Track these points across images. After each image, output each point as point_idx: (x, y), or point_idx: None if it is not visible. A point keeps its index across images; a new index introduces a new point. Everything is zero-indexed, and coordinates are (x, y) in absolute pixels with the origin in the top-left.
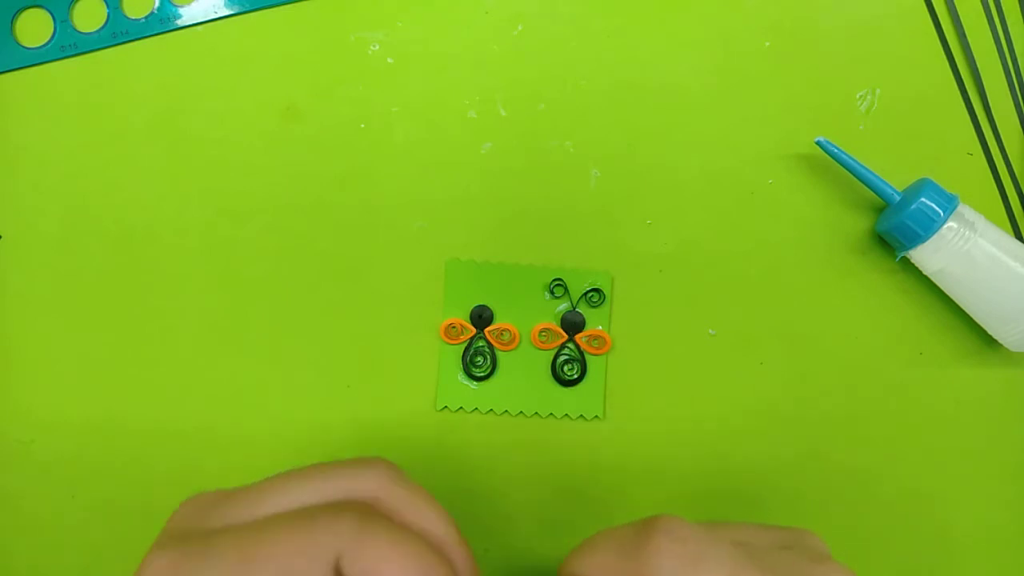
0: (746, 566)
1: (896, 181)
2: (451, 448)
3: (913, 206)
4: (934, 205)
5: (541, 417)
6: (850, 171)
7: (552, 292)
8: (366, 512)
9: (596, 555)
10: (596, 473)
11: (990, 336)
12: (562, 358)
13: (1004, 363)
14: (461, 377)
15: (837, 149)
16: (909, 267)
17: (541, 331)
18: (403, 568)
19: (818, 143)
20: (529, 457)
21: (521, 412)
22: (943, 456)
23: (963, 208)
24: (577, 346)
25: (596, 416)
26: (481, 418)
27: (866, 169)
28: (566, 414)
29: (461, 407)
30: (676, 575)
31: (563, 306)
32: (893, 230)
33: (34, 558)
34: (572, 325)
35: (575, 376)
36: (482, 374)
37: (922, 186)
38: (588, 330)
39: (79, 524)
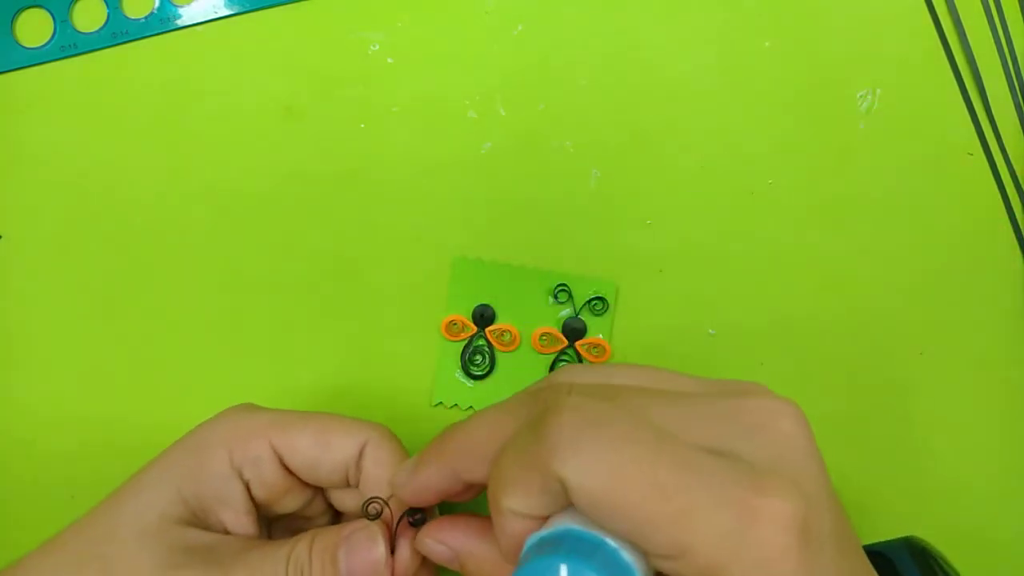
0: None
1: (896, 181)
2: None
3: None
4: None
5: None
6: None
7: (556, 297)
8: None
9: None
10: None
11: (990, 336)
12: (561, 363)
13: (1005, 364)
14: (459, 375)
15: None
16: (909, 265)
17: (542, 335)
18: None
19: None
20: None
21: None
22: (943, 457)
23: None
24: (577, 353)
25: None
26: None
27: None
28: None
29: (456, 404)
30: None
31: (566, 312)
32: None
33: None
34: (573, 332)
35: None
36: (480, 373)
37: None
38: (589, 338)
39: None
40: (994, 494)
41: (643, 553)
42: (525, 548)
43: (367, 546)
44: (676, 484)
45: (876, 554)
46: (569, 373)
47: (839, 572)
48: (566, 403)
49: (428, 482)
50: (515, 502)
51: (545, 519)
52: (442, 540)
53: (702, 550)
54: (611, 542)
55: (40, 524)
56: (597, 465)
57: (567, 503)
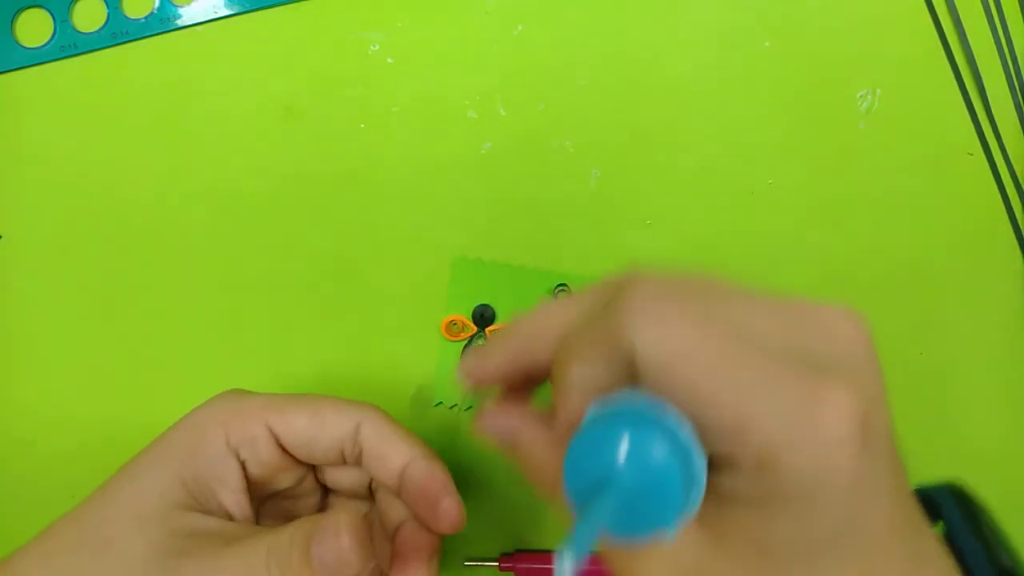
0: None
1: (896, 181)
2: (444, 445)
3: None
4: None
5: None
6: None
7: (556, 297)
8: None
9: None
10: None
11: (990, 336)
12: None
13: (1005, 364)
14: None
15: None
16: (909, 265)
17: None
18: None
19: None
20: None
21: None
22: (943, 457)
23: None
24: None
25: None
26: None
27: None
28: None
29: (456, 404)
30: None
31: None
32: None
33: None
34: None
35: None
36: None
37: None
38: None
39: None
40: (994, 494)
41: (701, 432)
42: (585, 419)
43: (333, 536)
44: (743, 362)
45: (919, 495)
46: (642, 268)
47: (891, 475)
48: (644, 276)
49: (493, 360)
50: (580, 371)
51: (606, 395)
52: (498, 422)
53: (761, 428)
54: (673, 417)
55: (40, 524)
56: (667, 335)
57: (631, 378)
